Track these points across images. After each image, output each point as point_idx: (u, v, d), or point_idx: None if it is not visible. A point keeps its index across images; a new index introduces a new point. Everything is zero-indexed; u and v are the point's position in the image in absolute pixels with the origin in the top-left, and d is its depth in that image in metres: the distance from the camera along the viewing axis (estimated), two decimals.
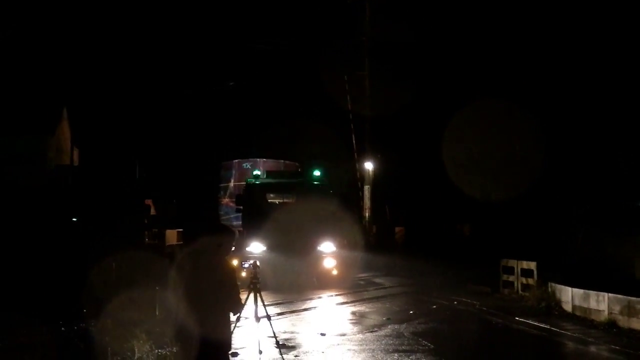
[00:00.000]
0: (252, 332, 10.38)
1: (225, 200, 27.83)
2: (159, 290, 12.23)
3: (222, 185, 28.50)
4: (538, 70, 23.22)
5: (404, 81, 29.92)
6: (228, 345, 6.55)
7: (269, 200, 21.38)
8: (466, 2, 29.45)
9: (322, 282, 20.08)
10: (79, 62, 28.98)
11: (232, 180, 27.80)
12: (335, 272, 20.39)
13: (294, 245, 19.85)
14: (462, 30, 29.02)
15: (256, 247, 20.19)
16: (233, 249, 6.79)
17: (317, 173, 21.61)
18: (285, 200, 21.43)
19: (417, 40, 29.83)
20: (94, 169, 29.36)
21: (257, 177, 22.08)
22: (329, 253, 20.43)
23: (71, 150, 28.32)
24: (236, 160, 28.20)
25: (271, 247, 20.05)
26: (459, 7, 29.63)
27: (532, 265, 17.15)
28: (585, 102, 20.93)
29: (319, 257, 20.25)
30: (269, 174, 23.10)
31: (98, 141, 30.79)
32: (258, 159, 27.78)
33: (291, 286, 19.18)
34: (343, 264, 20.95)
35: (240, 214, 22.14)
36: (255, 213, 20.55)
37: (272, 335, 8.98)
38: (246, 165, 27.33)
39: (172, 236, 32.03)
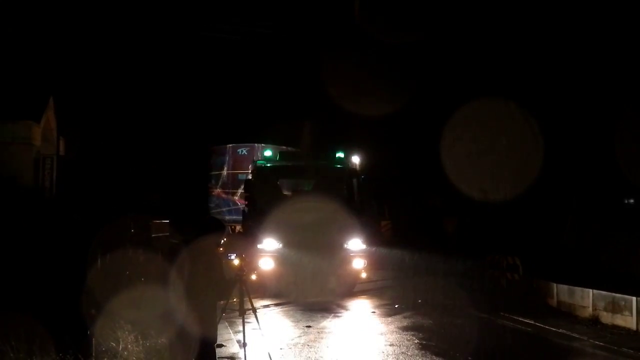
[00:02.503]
0: (237, 324, 10.38)
1: (218, 190, 25.14)
2: (144, 282, 12.20)
3: (213, 173, 25.46)
4: (533, 67, 23.21)
5: (397, 78, 29.86)
6: (214, 337, 6.60)
7: (284, 187, 18.86)
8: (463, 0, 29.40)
9: (348, 286, 17.22)
10: (66, 49, 28.64)
11: (226, 168, 24.83)
12: (364, 274, 17.57)
13: (316, 241, 16.69)
14: (456, 27, 29.01)
15: (269, 244, 16.99)
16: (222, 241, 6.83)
17: (340, 155, 18.48)
18: (303, 187, 19.03)
19: (412, 37, 29.78)
20: (80, 159, 29.00)
21: (268, 159, 18.91)
22: (357, 252, 17.16)
23: (57, 140, 27.87)
24: (230, 145, 24.97)
25: (288, 244, 16.87)
26: (455, 5, 29.59)
27: (518, 260, 17.27)
28: (582, 100, 20.97)
29: (347, 256, 17.06)
30: (282, 155, 19.89)
31: (84, 131, 30.45)
32: (256, 144, 24.31)
33: (315, 291, 16.54)
34: (371, 265, 18.28)
35: (235, 206, 20.33)
36: (268, 202, 17.20)
37: (258, 327, 8.98)
38: (242, 151, 24.46)
39: (157, 227, 31.68)
